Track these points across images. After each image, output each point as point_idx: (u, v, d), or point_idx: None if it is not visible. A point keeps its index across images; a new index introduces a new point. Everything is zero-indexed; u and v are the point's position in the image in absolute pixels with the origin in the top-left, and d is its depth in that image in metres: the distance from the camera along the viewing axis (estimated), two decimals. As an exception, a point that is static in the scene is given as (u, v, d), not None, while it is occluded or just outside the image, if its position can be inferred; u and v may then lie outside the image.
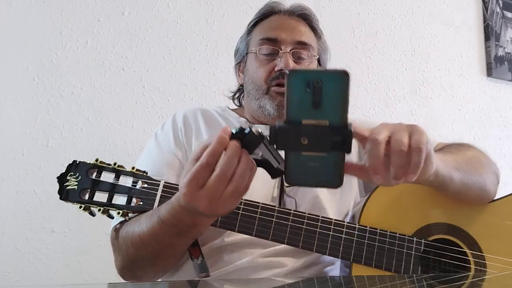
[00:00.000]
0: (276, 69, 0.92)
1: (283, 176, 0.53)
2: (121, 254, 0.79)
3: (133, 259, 0.77)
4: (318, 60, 1.01)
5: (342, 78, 0.46)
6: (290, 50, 0.93)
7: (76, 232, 1.26)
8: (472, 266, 0.79)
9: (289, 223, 0.77)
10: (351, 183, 0.94)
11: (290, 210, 0.78)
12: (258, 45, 0.95)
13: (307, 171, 0.51)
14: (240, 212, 0.76)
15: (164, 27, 1.46)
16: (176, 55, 1.46)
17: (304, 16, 0.99)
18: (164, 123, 0.98)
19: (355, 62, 1.76)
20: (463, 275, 0.76)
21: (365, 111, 1.73)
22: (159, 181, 0.78)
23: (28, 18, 1.31)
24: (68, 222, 1.25)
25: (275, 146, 0.50)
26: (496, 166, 0.89)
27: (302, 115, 0.48)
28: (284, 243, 0.76)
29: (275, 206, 0.77)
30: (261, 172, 0.58)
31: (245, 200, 0.77)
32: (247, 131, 0.55)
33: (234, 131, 0.56)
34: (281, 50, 0.92)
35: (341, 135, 0.48)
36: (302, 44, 0.94)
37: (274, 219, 0.76)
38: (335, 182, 0.52)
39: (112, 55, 1.38)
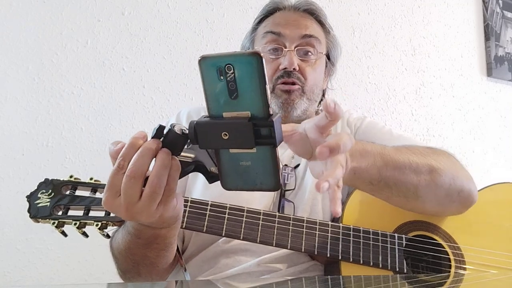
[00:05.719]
0: (280, 67, 0.91)
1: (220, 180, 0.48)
2: (114, 262, 0.78)
3: (122, 269, 0.77)
4: (328, 57, 0.99)
5: (253, 60, 0.40)
6: (295, 47, 0.91)
7: (76, 232, 1.25)
8: (452, 257, 0.83)
9: (276, 224, 0.77)
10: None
11: (275, 212, 0.78)
12: (262, 39, 0.94)
13: (240, 172, 0.46)
14: (226, 216, 0.75)
15: (164, 27, 1.46)
16: (176, 55, 1.46)
17: (310, 11, 0.97)
18: (167, 122, 0.98)
19: (355, 62, 1.75)
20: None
21: (365, 111, 1.72)
22: None
23: (28, 18, 1.31)
24: (68, 222, 1.25)
25: (197, 144, 0.45)
26: (467, 182, 0.78)
27: (223, 108, 0.43)
28: (272, 245, 0.76)
29: (260, 210, 0.77)
30: None
31: (230, 204, 0.76)
32: (166, 130, 0.50)
33: (153, 131, 0.50)
34: (286, 47, 0.91)
35: (264, 126, 0.42)
36: (308, 38, 0.92)
37: (260, 221, 0.76)
38: (270, 183, 0.46)
39: (112, 55, 1.38)
